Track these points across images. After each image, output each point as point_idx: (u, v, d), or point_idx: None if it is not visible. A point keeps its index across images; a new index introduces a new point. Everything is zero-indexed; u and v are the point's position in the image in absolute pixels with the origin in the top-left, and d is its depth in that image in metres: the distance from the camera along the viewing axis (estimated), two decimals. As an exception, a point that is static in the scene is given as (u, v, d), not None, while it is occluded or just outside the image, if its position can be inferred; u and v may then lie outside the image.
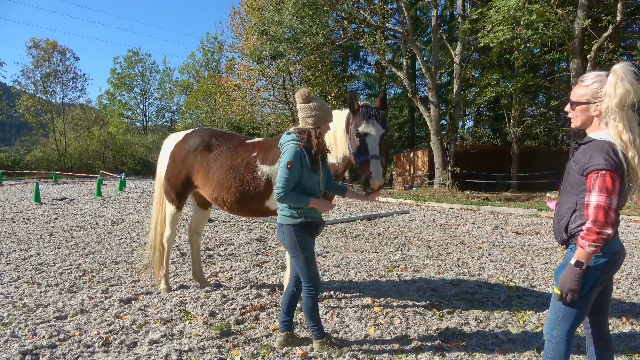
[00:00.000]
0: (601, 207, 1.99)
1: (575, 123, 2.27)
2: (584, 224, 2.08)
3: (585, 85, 2.18)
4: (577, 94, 2.22)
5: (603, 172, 2.00)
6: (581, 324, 2.43)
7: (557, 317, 2.25)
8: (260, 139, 4.47)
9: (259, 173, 4.09)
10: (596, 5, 15.83)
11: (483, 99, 21.15)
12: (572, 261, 2.09)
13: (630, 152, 2.03)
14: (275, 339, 3.45)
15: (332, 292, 4.68)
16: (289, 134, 3.21)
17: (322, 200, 3.16)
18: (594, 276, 2.14)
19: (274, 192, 3.03)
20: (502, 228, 9.58)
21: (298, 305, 3.79)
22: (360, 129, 3.30)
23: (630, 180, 2.06)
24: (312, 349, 3.27)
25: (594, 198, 2.01)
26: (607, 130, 2.11)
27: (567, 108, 2.30)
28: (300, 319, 3.87)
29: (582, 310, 2.21)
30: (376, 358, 3.19)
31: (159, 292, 4.63)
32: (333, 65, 27.80)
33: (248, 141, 4.42)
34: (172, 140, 4.76)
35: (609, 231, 1.99)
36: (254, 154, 4.19)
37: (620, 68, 2.07)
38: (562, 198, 2.28)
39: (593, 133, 2.18)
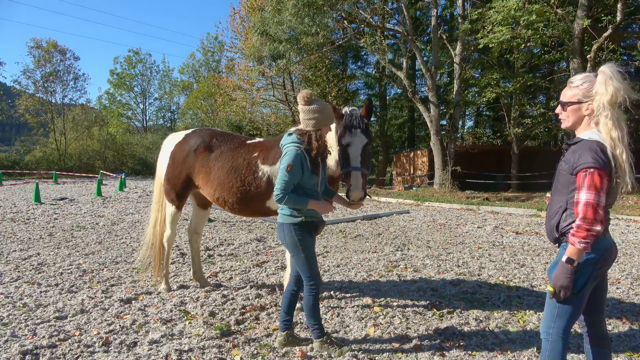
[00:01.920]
0: (590, 205, 2.04)
1: (565, 124, 2.33)
2: (574, 222, 2.12)
3: (575, 86, 2.25)
4: (567, 95, 2.29)
5: (591, 170, 2.05)
6: (579, 323, 2.45)
7: (552, 315, 2.28)
8: (261, 139, 4.48)
9: (260, 173, 4.11)
10: (596, 5, 15.83)
11: (483, 99, 21.16)
12: (564, 258, 2.13)
13: (618, 149, 2.09)
14: (275, 338, 3.45)
15: (332, 292, 4.68)
16: (290, 134, 3.20)
17: (322, 202, 3.16)
18: (586, 273, 2.18)
19: (273, 194, 3.03)
20: (502, 228, 9.58)
21: (298, 305, 3.79)
22: (343, 140, 3.27)
23: (619, 177, 2.12)
24: (311, 349, 3.27)
25: (583, 196, 2.06)
26: (596, 130, 2.17)
27: (558, 110, 2.36)
28: (300, 318, 3.88)
29: (576, 307, 2.24)
30: (376, 358, 3.19)
31: (159, 292, 4.63)
32: (333, 65, 27.80)
33: (249, 141, 4.43)
34: (172, 141, 4.75)
35: (598, 228, 2.03)
36: (255, 155, 4.20)
37: (607, 68, 2.14)
38: (554, 197, 2.33)
39: (582, 133, 2.24)
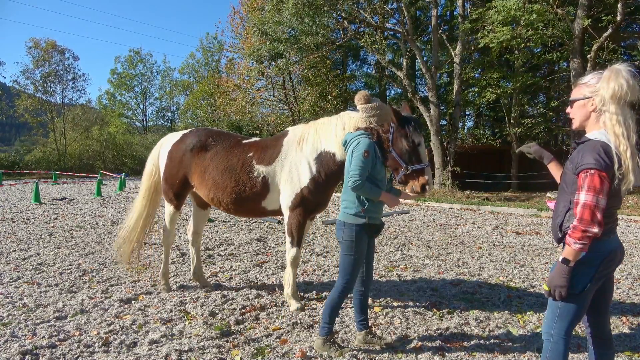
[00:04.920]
0: (587, 206, 2.02)
1: (575, 123, 2.30)
2: None
3: (584, 83, 2.23)
4: (575, 92, 2.27)
5: (592, 171, 2.03)
6: (582, 324, 2.44)
7: (554, 316, 2.26)
8: (257, 139, 4.46)
9: (255, 173, 4.09)
10: (596, 5, 15.82)
11: (483, 99, 21.14)
12: (560, 258, 2.13)
13: (622, 146, 2.05)
14: (275, 338, 3.46)
15: (332, 292, 4.67)
16: (351, 132, 3.30)
17: (391, 195, 3.23)
18: (588, 274, 2.16)
19: (350, 181, 3.06)
20: (502, 228, 9.58)
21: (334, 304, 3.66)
22: (416, 139, 3.40)
23: (623, 175, 2.07)
24: (311, 349, 3.27)
25: (582, 197, 2.04)
26: (604, 130, 2.13)
27: (568, 109, 2.33)
28: (303, 318, 3.87)
29: (578, 309, 2.22)
30: (376, 358, 3.19)
31: (159, 292, 4.63)
32: (333, 65, 27.75)
33: (245, 141, 4.41)
34: (169, 140, 4.76)
35: (595, 230, 2.01)
36: (250, 154, 4.19)
37: (617, 66, 2.11)
38: (559, 197, 2.32)
39: (590, 132, 2.20)
